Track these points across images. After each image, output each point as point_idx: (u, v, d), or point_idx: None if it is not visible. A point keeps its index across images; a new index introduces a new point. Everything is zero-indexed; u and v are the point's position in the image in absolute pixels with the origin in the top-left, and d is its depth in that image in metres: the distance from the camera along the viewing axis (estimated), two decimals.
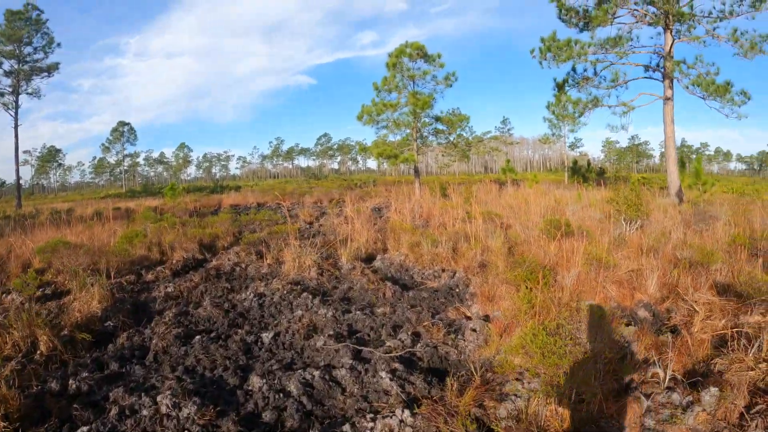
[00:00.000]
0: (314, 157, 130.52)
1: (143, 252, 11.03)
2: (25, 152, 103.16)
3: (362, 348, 5.35)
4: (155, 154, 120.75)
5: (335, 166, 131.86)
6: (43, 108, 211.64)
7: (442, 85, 26.82)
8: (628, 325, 5.80)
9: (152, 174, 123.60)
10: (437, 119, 26.87)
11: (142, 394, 4.36)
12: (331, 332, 5.88)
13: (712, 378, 4.48)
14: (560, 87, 23.96)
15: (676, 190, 20.81)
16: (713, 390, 4.06)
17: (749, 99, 20.00)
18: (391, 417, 3.89)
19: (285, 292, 7.59)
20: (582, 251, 8.15)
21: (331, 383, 4.65)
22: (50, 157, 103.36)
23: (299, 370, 4.81)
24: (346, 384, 4.68)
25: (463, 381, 4.66)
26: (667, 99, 21.50)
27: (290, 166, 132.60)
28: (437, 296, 7.60)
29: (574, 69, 23.39)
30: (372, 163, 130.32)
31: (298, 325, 6.19)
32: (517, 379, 4.58)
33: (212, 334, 6.06)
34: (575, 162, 36.92)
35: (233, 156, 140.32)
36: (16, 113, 36.83)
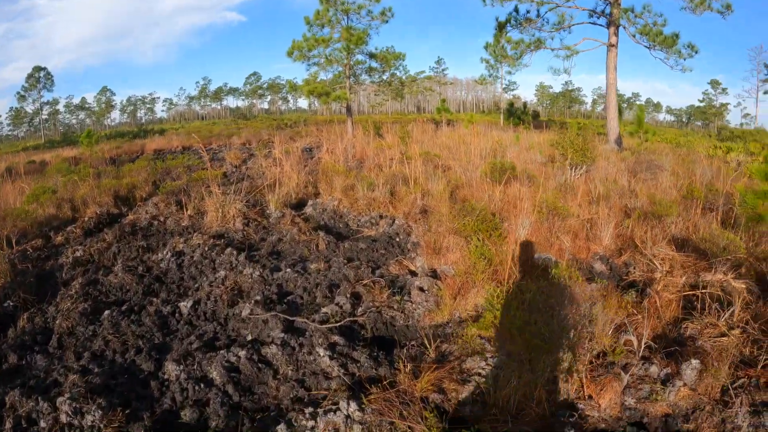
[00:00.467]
0: (243, 97, 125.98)
1: (53, 211, 9.86)
2: None
3: (295, 318, 4.54)
4: (76, 100, 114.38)
5: (265, 106, 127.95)
6: None
7: (378, 20, 25.55)
8: (590, 281, 5.25)
9: (74, 122, 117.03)
10: (371, 56, 25.70)
11: (39, 397, 3.44)
12: (259, 297, 5.04)
13: (688, 347, 4.09)
14: (502, 27, 23.26)
15: (615, 137, 20.75)
16: (695, 363, 3.66)
17: (696, 53, 20.05)
18: (335, 412, 3.17)
19: (206, 248, 6.65)
20: (530, 198, 7.62)
21: (260, 365, 3.88)
22: None
23: (222, 351, 4.01)
24: (278, 364, 3.92)
25: (414, 355, 4.01)
26: (611, 46, 21.16)
27: (219, 107, 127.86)
28: (376, 247, 6.88)
29: (516, 9, 22.69)
30: (303, 103, 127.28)
31: (221, 289, 5.33)
32: (478, 353, 3.93)
33: (124, 307, 5.10)
34: (511, 104, 36.58)
35: (159, 98, 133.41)
36: None
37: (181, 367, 3.83)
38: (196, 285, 5.69)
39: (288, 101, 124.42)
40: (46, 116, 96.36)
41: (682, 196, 8.79)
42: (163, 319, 4.84)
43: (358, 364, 3.86)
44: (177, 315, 4.94)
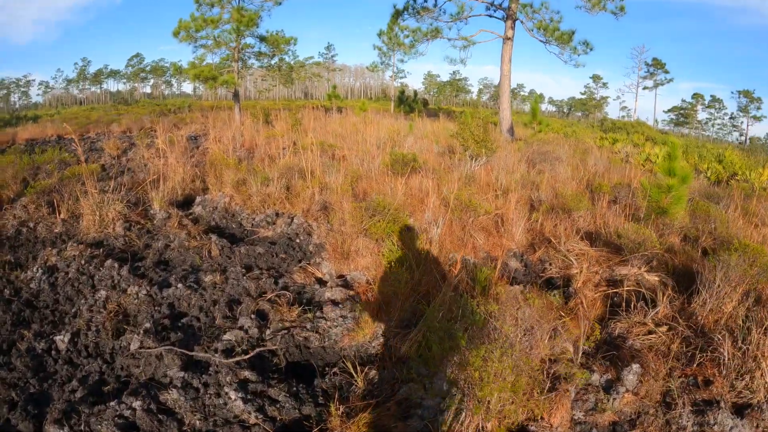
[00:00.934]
0: (125, 81, 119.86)
1: None
2: None
3: (194, 352, 3.82)
4: None
5: (148, 90, 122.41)
6: None
7: (270, 2, 24.58)
8: (510, 284, 4.95)
9: None
10: (262, 39, 24.65)
11: None
12: (149, 324, 4.23)
13: (623, 349, 3.98)
14: (399, 14, 23.18)
15: (507, 127, 21.34)
16: (635, 368, 3.63)
17: (591, 49, 20.95)
18: None
19: (83, 261, 5.69)
20: (436, 191, 7.29)
21: (160, 416, 3.17)
22: None
23: (113, 402, 3.24)
24: (182, 413, 3.23)
25: (340, 385, 3.51)
26: (507, 39, 21.65)
27: (99, 91, 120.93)
28: (275, 250, 6.26)
29: None
30: (188, 87, 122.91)
31: (102, 314, 4.49)
32: (413, 380, 3.47)
33: None
34: (402, 92, 36.30)
35: (34, 81, 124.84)
36: None
37: (65, 429, 3.07)
38: (74, 309, 4.78)
39: (172, 85, 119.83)
40: None
41: (584, 187, 8.77)
42: (38, 358, 3.93)
43: (278, 405, 3.30)
44: (54, 352, 4.03)
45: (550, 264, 5.74)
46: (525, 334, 3.51)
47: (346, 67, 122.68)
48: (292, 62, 26.82)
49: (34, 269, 5.58)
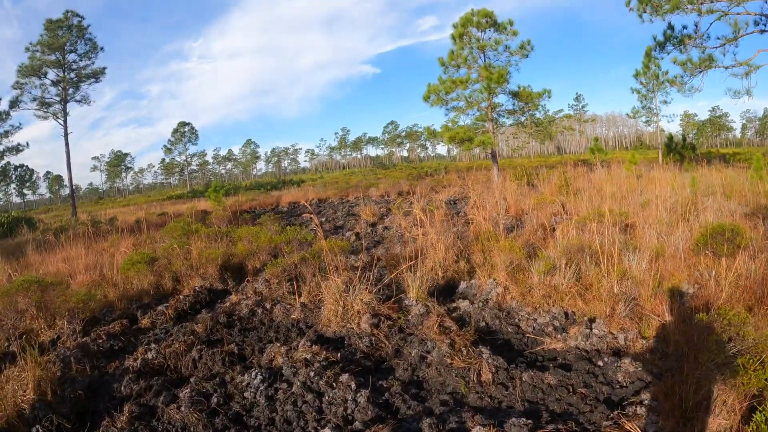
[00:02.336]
0: (382, 146, 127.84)
1: (153, 280, 8.59)
2: (94, 158, 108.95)
3: None
4: (223, 152, 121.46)
5: (404, 153, 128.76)
6: (116, 116, 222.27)
7: (517, 56, 23.26)
8: None
9: (223, 171, 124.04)
10: (514, 95, 23.36)
11: None
12: None
13: None
14: (661, 46, 20.39)
15: None
16: None
17: None
18: None
19: (314, 371, 4.58)
20: None
21: None
22: (118, 161, 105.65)
23: None
24: None
25: None
26: None
27: (359, 156, 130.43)
28: (570, 381, 4.43)
29: (671, 26, 19.87)
30: (442, 149, 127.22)
31: None
32: None
33: None
34: (670, 137, 32.26)
35: (301, 149, 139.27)
36: (65, 122, 35.75)
37: None
38: None
39: (426, 148, 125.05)
40: (196, 166, 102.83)
41: None
42: None
43: None
44: None
45: None
46: None
47: (596, 116, 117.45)
48: (541, 117, 24.95)
49: (254, 373, 4.62)
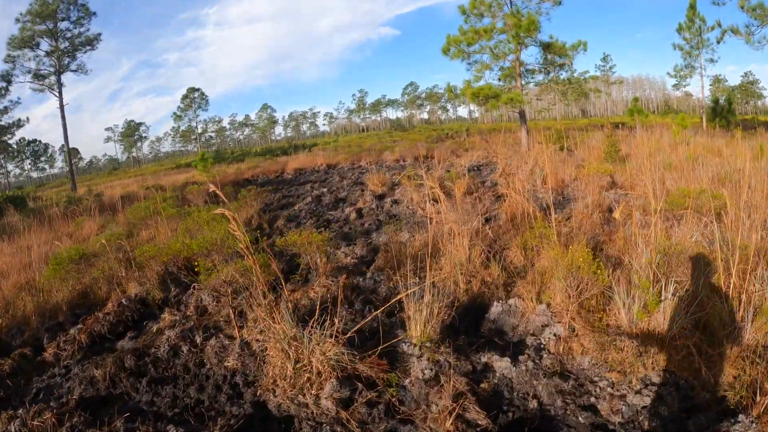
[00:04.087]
0: (402, 108, 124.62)
1: (82, 286, 6.42)
2: (107, 129, 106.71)
3: None
4: (240, 118, 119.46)
5: (425, 116, 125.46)
6: (134, 86, 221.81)
7: (548, 2, 20.37)
8: None
9: (241, 137, 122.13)
10: (545, 47, 20.39)
11: None
12: None
13: None
14: None
15: None
16: None
17: None
18: None
19: None
20: None
21: None
22: (131, 131, 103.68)
23: None
24: None
25: None
26: None
27: (379, 119, 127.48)
28: None
29: None
30: (463, 111, 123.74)
31: None
32: None
33: None
34: (716, 101, 29.18)
35: (319, 113, 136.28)
36: (60, 93, 33.58)
37: None
38: None
39: (447, 110, 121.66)
40: (213, 133, 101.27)
41: None
42: None
43: None
44: None
45: None
46: None
47: (622, 79, 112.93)
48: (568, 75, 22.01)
49: None
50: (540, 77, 22.02)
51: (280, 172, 23.22)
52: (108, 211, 13.23)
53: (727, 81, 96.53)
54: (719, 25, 22.35)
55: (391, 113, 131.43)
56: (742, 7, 17.06)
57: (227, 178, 20.83)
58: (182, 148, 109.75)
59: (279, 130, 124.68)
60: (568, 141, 16.48)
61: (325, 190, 14.19)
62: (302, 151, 37.71)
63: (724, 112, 28.24)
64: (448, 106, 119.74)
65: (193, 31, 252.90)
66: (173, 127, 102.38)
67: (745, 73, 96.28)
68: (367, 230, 8.41)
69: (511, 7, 19.96)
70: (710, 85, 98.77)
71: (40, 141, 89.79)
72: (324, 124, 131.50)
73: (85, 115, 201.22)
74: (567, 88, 20.60)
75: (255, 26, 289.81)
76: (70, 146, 34.42)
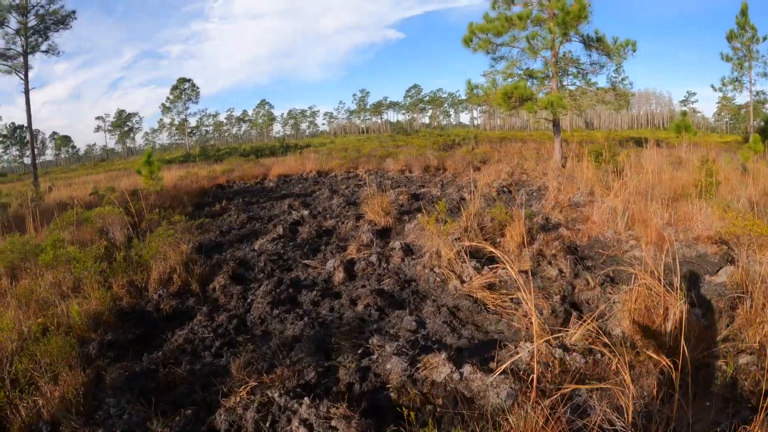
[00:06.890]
0: (404, 111, 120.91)
1: None
2: (97, 118, 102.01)
3: None
4: (237, 113, 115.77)
5: (426, 120, 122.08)
6: (135, 76, 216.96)
7: None
8: None
9: (241, 132, 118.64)
10: (590, 43, 16.55)
11: None
12: None
13: None
14: None
15: None
16: None
17: None
18: None
19: None
20: None
21: None
22: (121, 122, 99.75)
23: None
24: None
25: None
26: None
27: (379, 121, 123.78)
28: None
29: None
30: (465, 118, 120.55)
31: None
32: None
33: None
34: (767, 120, 25.61)
35: (319, 112, 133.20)
36: (26, 75, 29.70)
37: None
38: None
39: (449, 115, 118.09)
40: (210, 128, 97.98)
41: None
42: None
43: None
44: None
45: None
46: None
47: (633, 93, 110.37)
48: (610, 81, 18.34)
49: None
50: (576, 80, 18.31)
51: (261, 178, 19.44)
52: (20, 226, 9.30)
53: (735, 100, 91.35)
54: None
55: (392, 116, 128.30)
56: None
57: (195, 183, 17.05)
58: (179, 141, 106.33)
59: (278, 127, 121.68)
60: (617, 159, 12.71)
61: (306, 213, 10.31)
62: (293, 152, 33.84)
63: None
64: (451, 111, 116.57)
65: (197, 23, 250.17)
66: (159, 120, 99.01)
67: (758, 93, 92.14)
68: (361, 321, 4.64)
69: None
70: (717, 102, 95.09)
71: (24, 127, 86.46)
72: (323, 124, 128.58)
73: (84, 103, 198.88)
74: (614, 95, 16.81)
75: (259, 22, 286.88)
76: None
